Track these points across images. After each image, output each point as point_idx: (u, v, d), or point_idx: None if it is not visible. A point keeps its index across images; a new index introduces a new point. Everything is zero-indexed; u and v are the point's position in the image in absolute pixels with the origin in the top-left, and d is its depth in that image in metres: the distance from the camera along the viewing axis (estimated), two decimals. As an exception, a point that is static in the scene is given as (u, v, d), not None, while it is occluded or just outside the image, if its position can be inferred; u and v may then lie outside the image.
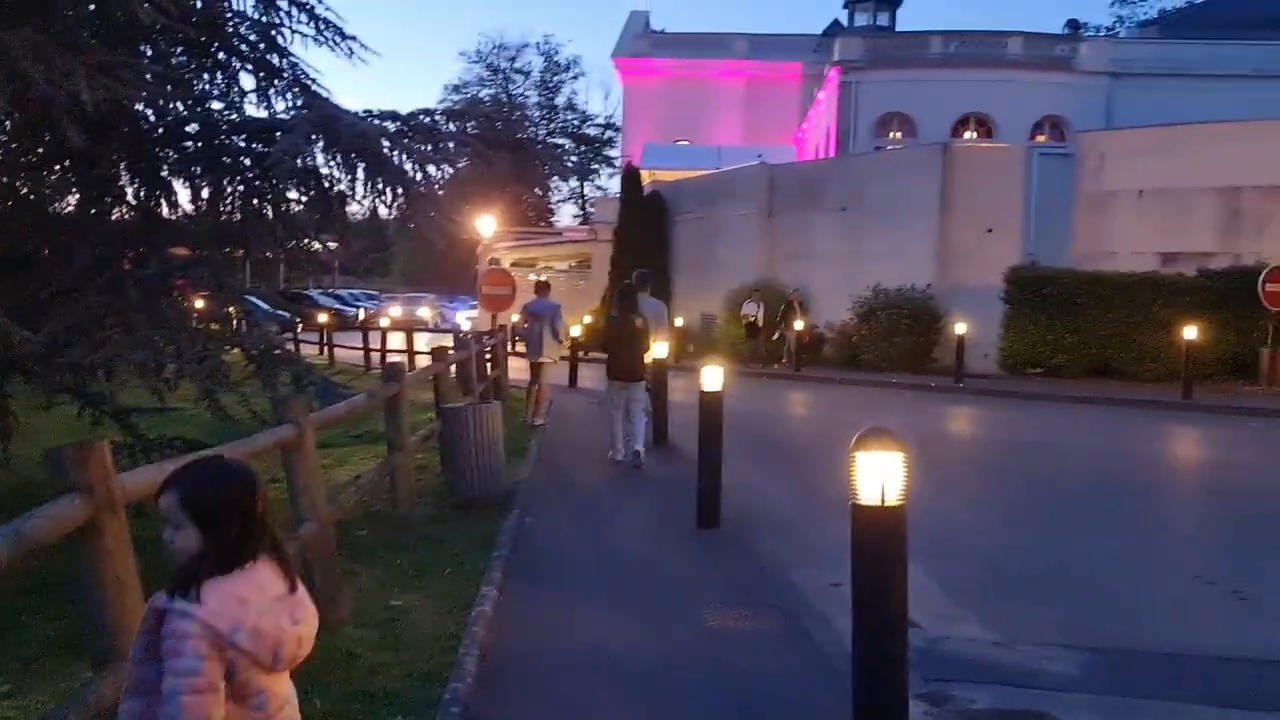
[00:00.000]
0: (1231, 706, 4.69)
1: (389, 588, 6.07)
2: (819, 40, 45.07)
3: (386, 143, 8.09)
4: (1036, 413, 16.96)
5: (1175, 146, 22.27)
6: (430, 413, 11.64)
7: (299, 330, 29.41)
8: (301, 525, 5.08)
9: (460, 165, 11.19)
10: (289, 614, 2.39)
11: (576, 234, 44.50)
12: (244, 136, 8.14)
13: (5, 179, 7.64)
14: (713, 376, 7.87)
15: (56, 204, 8.61)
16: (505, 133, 9.49)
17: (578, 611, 5.79)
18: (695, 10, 75.38)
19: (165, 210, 8.69)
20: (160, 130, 8.35)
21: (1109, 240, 22.44)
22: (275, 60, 9.73)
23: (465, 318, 42.12)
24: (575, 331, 15.53)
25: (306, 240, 10.30)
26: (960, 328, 20.25)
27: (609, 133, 63.26)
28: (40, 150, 7.88)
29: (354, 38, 9.65)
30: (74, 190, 8.40)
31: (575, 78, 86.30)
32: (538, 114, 65.30)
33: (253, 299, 8.80)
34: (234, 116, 8.76)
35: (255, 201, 9.22)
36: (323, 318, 31.18)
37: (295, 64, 9.71)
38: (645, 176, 32.40)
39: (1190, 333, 17.52)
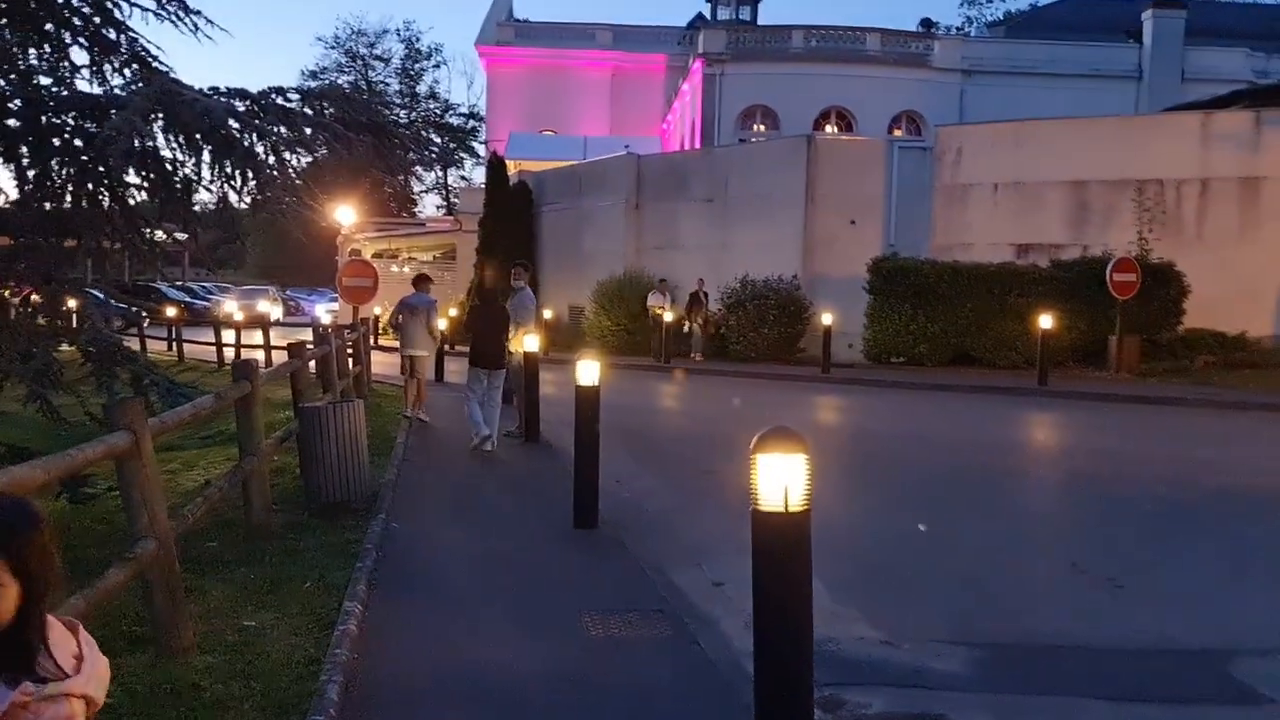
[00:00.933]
0: (1124, 699, 4.66)
1: (241, 606, 5.57)
2: (683, 32, 45.25)
3: (235, 123, 7.49)
4: (901, 401, 17.26)
5: (1027, 141, 23.03)
6: (289, 411, 11.00)
7: (145, 325, 27.95)
8: (138, 544, 4.56)
9: (319, 153, 10.60)
10: None
11: (440, 224, 43.57)
12: (74, 114, 7.41)
13: None
14: (588, 370, 7.58)
15: None
16: (364, 115, 8.93)
17: (451, 626, 5.40)
18: (559, -1, 74.61)
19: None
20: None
21: (966, 232, 23.05)
22: (111, 34, 8.99)
23: (325, 310, 40.74)
24: (441, 324, 15.05)
25: (148, 229, 9.54)
26: (826, 318, 20.47)
27: (473, 122, 62.17)
28: None
29: (198, 12, 8.99)
30: None
31: (438, 66, 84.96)
32: (398, 102, 63.62)
33: (92, 292, 8.05)
34: (63, 93, 8.00)
35: (89, 186, 8.47)
36: (171, 312, 29.64)
37: (135, 39, 8.99)
38: (511, 166, 31.86)
39: (1045, 321, 18.09)
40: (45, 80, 8.85)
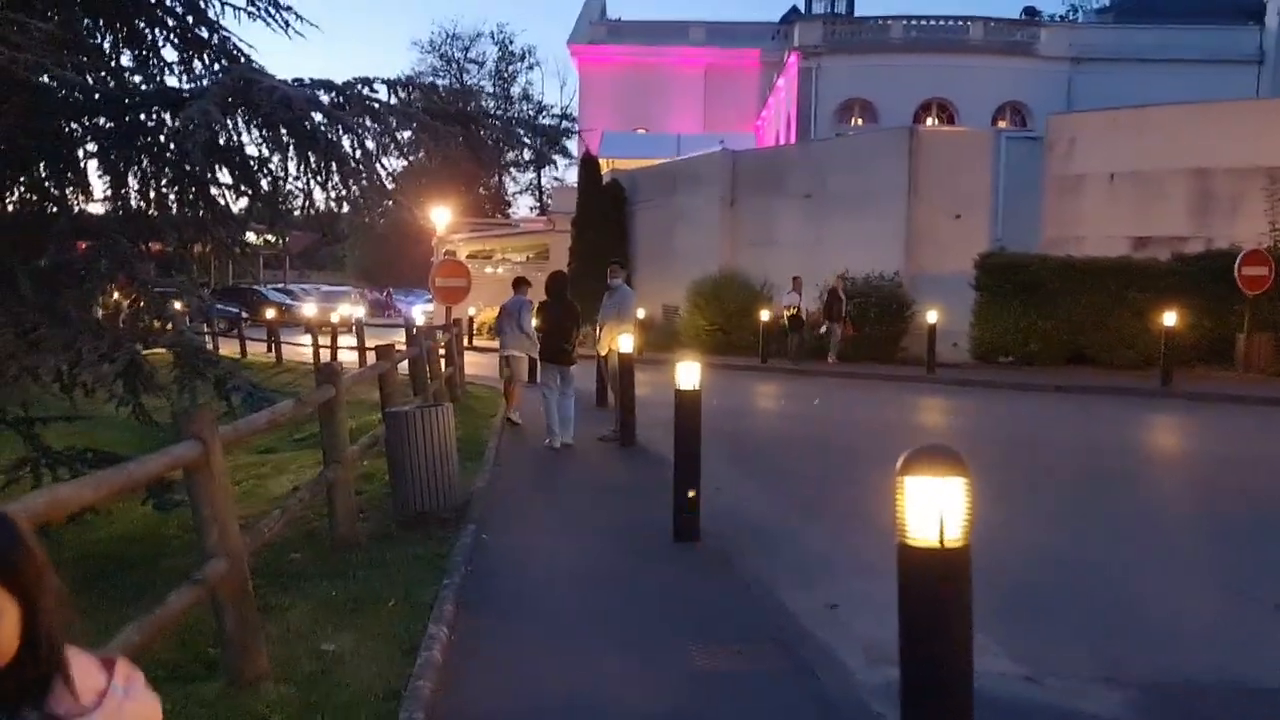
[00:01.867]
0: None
1: (321, 627, 5.20)
2: (777, 27, 44.44)
3: (320, 116, 7.16)
4: (1015, 403, 16.37)
5: (1146, 128, 21.80)
6: (379, 414, 10.74)
7: (244, 327, 28.36)
8: (208, 563, 4.20)
9: (407, 150, 10.29)
10: None
11: (534, 225, 43.53)
12: (156, 109, 7.17)
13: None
14: (688, 373, 7.07)
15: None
16: (452, 106, 8.63)
17: (542, 653, 4.94)
18: (651, -2, 74.31)
19: (71, 194, 7.72)
20: (65, 101, 7.36)
21: (1079, 225, 21.93)
22: (203, 33, 8.79)
23: (421, 311, 41.03)
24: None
25: (238, 230, 9.33)
26: (931, 315, 19.60)
27: (566, 123, 62.09)
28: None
29: (289, 8, 8.73)
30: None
31: (531, 67, 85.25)
32: (492, 104, 64.01)
33: (172, 291, 7.83)
34: (147, 88, 7.80)
35: (177, 186, 8.28)
36: (270, 313, 30.03)
37: (226, 37, 8.78)
38: (604, 165, 31.54)
39: (1169, 318, 16.99)
40: (136, 79, 8.70)
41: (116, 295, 7.54)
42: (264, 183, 8.37)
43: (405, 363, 11.86)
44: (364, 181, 8.12)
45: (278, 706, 4.09)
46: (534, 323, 12.29)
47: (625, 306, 12.26)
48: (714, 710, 4.22)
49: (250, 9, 8.77)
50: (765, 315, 22.28)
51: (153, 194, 7.84)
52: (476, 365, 22.03)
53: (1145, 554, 7.19)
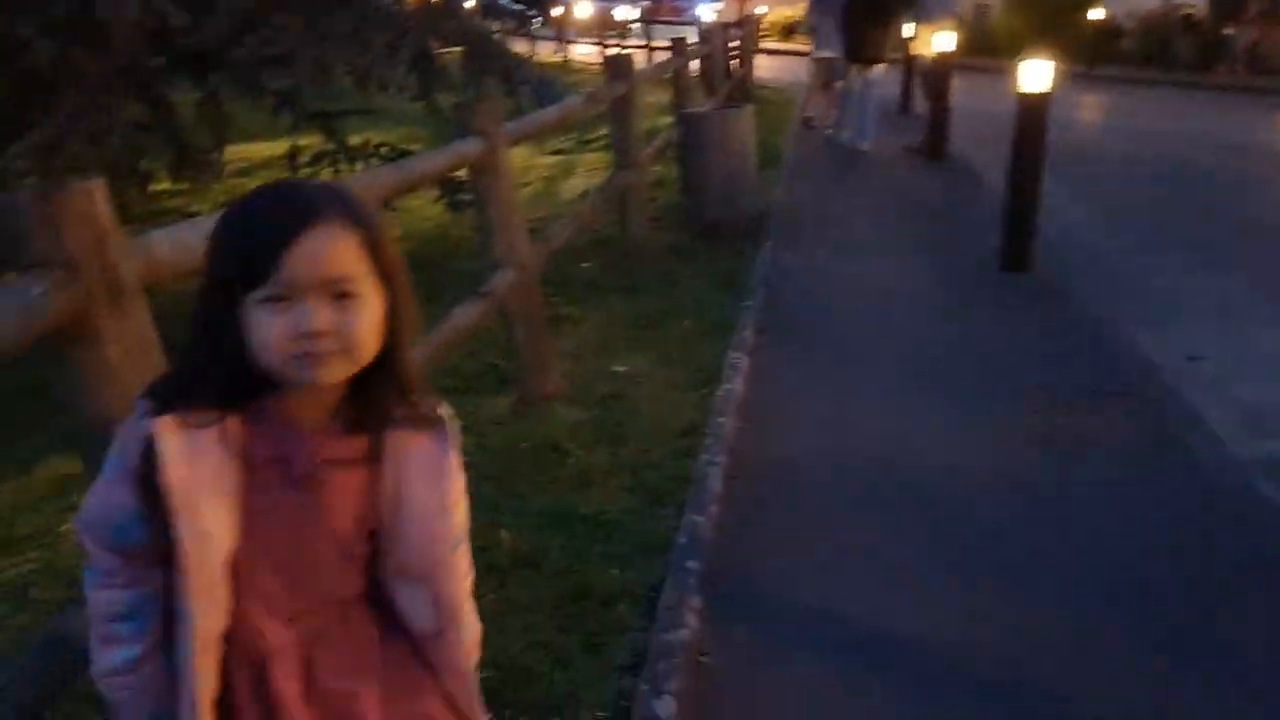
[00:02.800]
0: None
1: (612, 345, 4.86)
2: None
3: None
4: None
5: None
6: (668, 117, 10.11)
7: (535, 27, 27.95)
8: (496, 274, 3.83)
9: None
10: None
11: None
12: None
13: None
14: (1036, 73, 5.89)
15: None
16: None
17: (851, 393, 4.34)
18: None
19: None
20: None
21: None
22: None
23: (709, 9, 39.21)
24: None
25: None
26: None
27: None
28: None
29: None
30: None
31: None
32: None
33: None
34: None
35: None
36: (557, 11, 29.40)
37: None
38: None
39: None
40: None
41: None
42: None
43: (696, 62, 11.04)
44: None
45: (570, 434, 3.79)
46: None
47: (943, 2, 10.74)
48: (1059, 481, 3.52)
49: None
50: (1097, 13, 19.37)
51: None
52: (765, 69, 20.77)
53: None
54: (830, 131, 11.70)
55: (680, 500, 3.24)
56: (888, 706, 2.33)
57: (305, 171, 7.44)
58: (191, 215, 5.46)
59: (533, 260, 4.12)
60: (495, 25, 8.55)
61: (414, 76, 6.86)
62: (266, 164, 10.23)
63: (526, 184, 9.60)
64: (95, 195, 1.66)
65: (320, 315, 1.10)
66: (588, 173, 10.04)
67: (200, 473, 1.13)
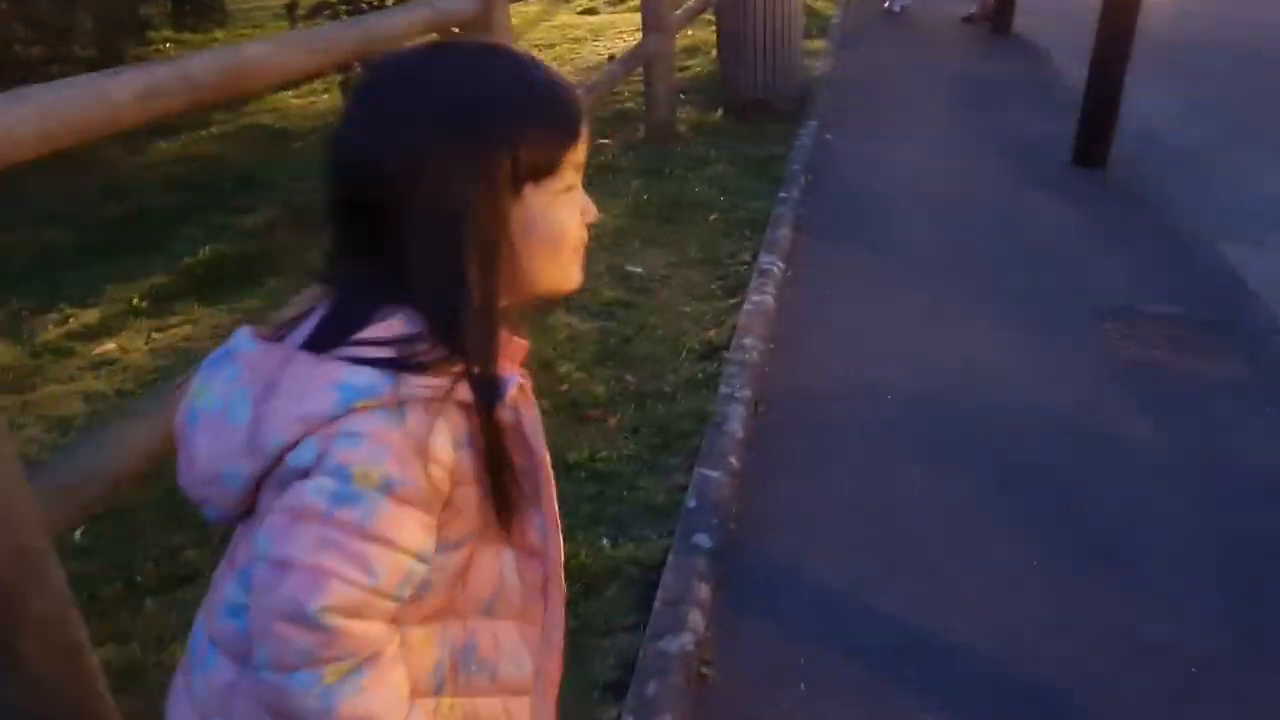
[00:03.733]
0: None
1: (628, 239, 4.24)
2: None
3: None
4: None
5: None
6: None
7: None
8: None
9: None
10: None
11: None
12: None
13: None
14: (1134, -65, 5.04)
15: None
16: None
17: (906, 309, 3.70)
18: None
19: None
20: None
21: None
22: None
23: None
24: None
25: None
26: None
27: None
28: None
29: None
30: None
31: None
32: None
33: None
34: None
35: None
36: None
37: None
38: None
39: None
40: None
41: None
42: None
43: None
44: None
45: (568, 347, 3.21)
46: None
47: None
48: (1153, 433, 2.91)
49: None
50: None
51: None
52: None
53: None
54: (886, 3, 10.75)
55: (693, 446, 2.67)
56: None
57: (304, 25, 6.74)
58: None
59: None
60: None
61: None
62: (276, 17, 9.46)
63: (550, 45, 8.82)
64: None
65: None
66: (616, 36, 9.21)
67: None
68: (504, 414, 0.86)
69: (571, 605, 2.07)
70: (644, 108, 5.83)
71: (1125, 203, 4.89)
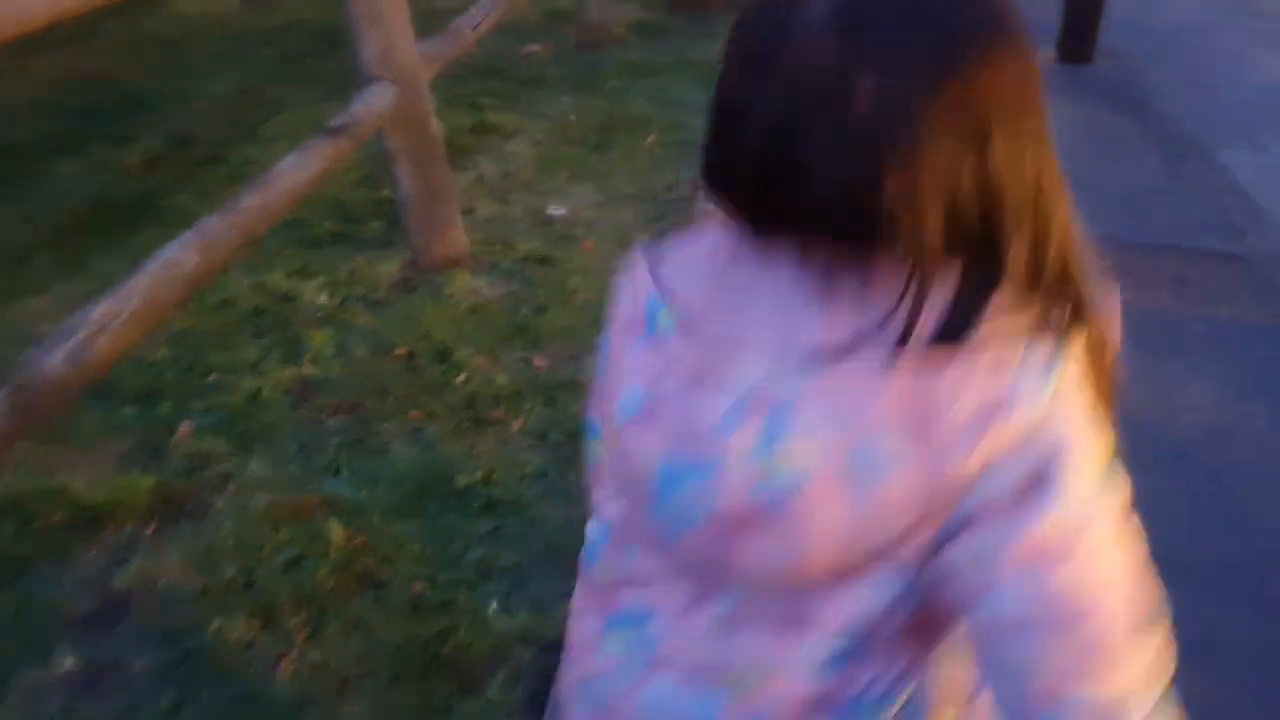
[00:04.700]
0: None
1: (552, 169, 3.70)
2: None
3: None
4: None
5: None
6: None
7: None
8: (364, 91, 2.65)
9: None
10: None
11: None
12: None
13: None
14: None
15: None
16: None
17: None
18: None
19: None
20: None
21: None
22: None
23: None
24: None
25: None
26: None
27: None
28: None
29: None
30: None
31: None
32: None
33: None
34: None
35: None
36: None
37: None
38: None
39: None
40: None
41: None
42: None
43: None
44: None
45: (469, 324, 2.71)
46: None
47: None
48: (1165, 388, 2.49)
49: None
50: None
51: None
52: None
53: None
54: None
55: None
56: None
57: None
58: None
59: (422, 70, 2.90)
60: None
61: None
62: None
63: None
64: None
65: None
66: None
67: None
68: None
69: (444, 709, 1.64)
70: (575, 9, 5.19)
71: (1116, 108, 4.38)
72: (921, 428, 0.61)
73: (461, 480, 2.14)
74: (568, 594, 1.72)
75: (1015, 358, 0.62)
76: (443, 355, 2.56)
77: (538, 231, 3.26)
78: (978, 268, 0.62)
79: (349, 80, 2.77)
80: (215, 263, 1.91)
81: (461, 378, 2.49)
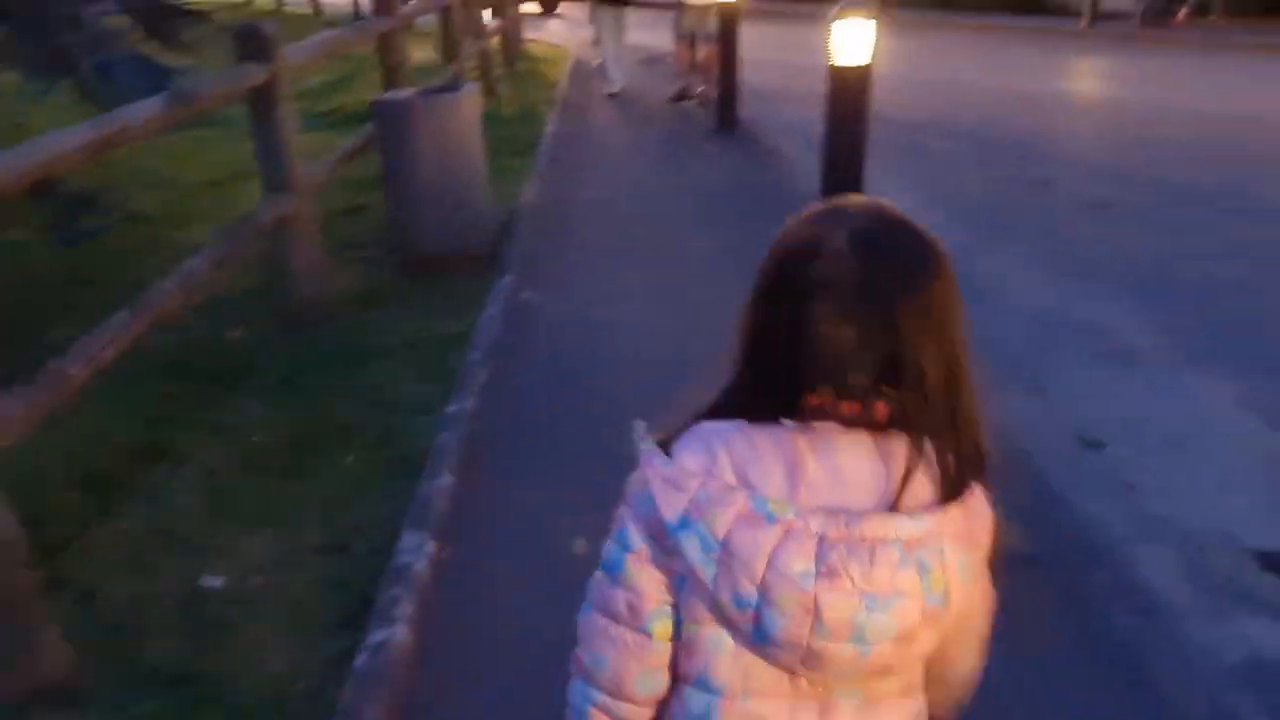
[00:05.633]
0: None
1: (225, 508, 2.93)
2: None
3: None
4: (1210, 66, 12.67)
5: None
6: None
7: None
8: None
9: None
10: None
11: None
12: None
13: None
14: (854, 40, 4.19)
15: None
16: None
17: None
18: None
19: None
20: None
21: None
22: None
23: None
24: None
25: None
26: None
27: None
28: None
29: None
30: None
31: None
32: None
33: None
34: None
35: None
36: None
37: None
38: None
39: None
40: None
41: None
42: None
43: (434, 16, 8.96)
44: None
45: None
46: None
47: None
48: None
49: None
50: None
51: None
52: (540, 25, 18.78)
53: None
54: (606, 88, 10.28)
55: None
56: None
57: None
58: None
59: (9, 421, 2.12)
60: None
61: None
62: None
63: (183, 203, 6.88)
64: None
65: None
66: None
67: None
68: None
69: None
70: (280, 292, 4.46)
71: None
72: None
73: None
74: None
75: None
76: None
77: (179, 622, 2.45)
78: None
79: None
80: None
81: None
